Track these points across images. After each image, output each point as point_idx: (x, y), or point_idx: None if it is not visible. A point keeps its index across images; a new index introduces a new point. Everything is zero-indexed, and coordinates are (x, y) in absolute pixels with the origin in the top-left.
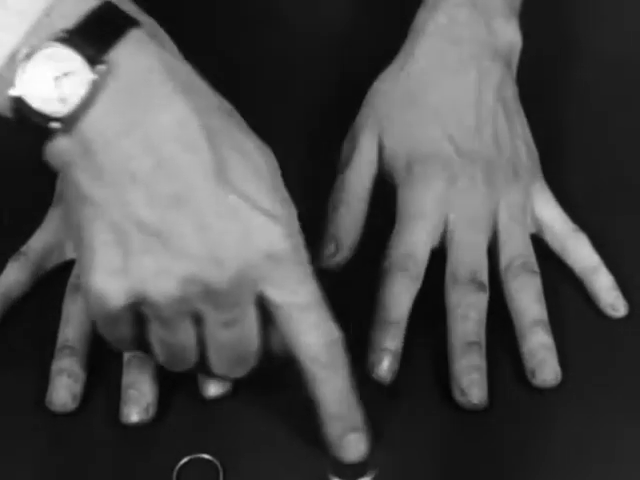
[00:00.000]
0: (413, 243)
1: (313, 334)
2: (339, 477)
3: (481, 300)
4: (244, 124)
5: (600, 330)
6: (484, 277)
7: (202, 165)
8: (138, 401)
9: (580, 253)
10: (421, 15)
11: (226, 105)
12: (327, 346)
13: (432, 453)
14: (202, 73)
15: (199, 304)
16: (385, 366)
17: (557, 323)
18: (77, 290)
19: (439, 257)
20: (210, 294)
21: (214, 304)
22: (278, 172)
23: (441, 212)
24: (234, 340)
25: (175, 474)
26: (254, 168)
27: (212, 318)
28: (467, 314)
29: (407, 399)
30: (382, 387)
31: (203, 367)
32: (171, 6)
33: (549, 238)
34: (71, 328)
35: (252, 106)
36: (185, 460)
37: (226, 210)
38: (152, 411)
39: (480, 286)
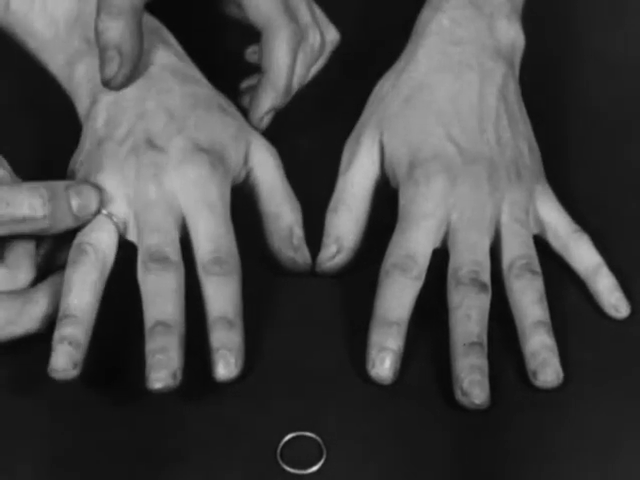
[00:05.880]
0: (415, 243)
1: None
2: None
3: (483, 301)
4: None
5: (602, 331)
6: (486, 278)
7: None
8: (167, 366)
9: (582, 254)
10: (424, 16)
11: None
12: None
13: (433, 453)
14: (205, 72)
15: None
16: (386, 366)
17: (559, 324)
18: (78, 259)
19: (441, 257)
20: None
21: None
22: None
23: (443, 212)
24: None
25: (279, 451)
26: None
27: None
28: (469, 315)
29: (409, 399)
30: (383, 387)
31: None
32: (173, 6)
33: (551, 239)
34: (73, 297)
35: None
36: (289, 437)
37: None
38: (179, 377)
39: (482, 287)
